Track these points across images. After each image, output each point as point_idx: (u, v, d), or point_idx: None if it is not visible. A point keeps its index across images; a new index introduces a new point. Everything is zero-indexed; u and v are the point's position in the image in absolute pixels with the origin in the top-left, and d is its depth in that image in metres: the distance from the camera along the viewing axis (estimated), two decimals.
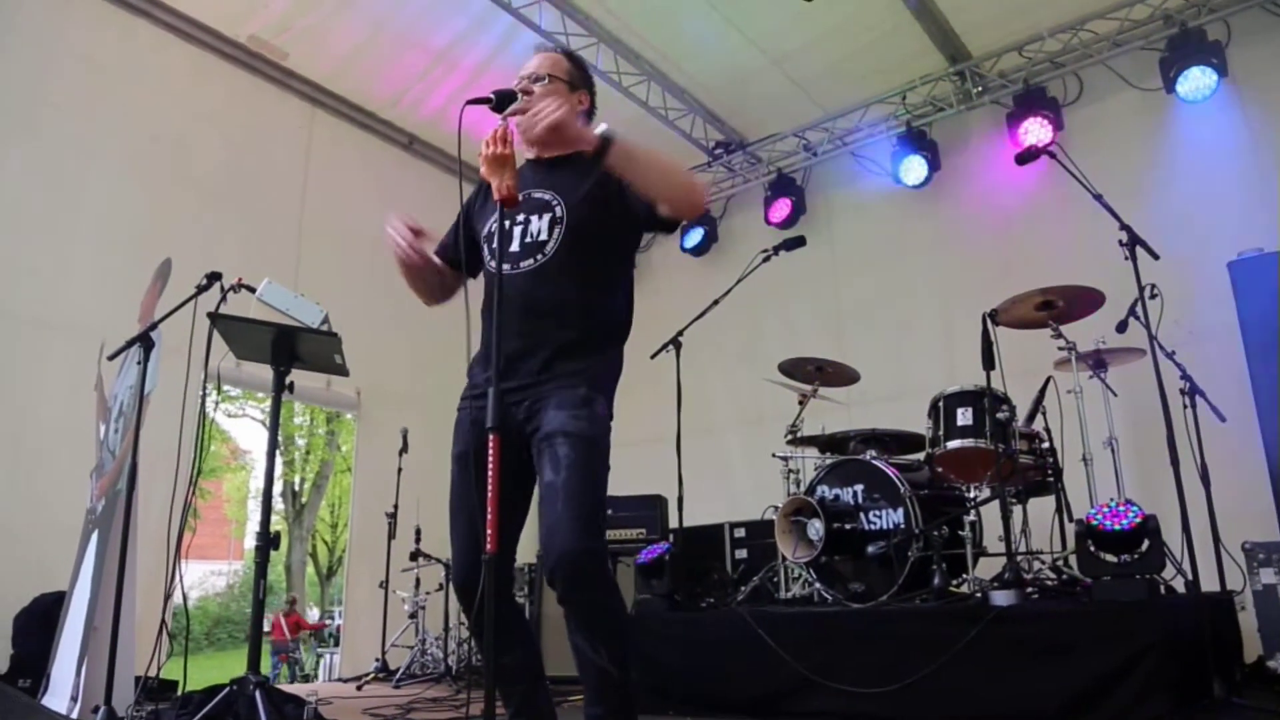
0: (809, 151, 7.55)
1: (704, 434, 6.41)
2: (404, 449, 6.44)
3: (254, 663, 3.09)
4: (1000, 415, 3.95)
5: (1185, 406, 4.26)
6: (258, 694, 2.92)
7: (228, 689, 3.06)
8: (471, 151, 2.19)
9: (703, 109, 7.29)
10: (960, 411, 4.19)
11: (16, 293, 5.04)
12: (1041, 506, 4.45)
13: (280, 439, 3.79)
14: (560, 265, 2.33)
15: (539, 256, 2.35)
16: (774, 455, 5.02)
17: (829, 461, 4.65)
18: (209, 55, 6.36)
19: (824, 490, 4.48)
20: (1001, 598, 3.45)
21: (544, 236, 2.36)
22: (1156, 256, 3.85)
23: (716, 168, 7.89)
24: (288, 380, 3.32)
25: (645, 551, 4.69)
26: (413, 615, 6.41)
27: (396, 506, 6.40)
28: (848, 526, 4.34)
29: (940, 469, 4.27)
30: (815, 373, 5.05)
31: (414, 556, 6.26)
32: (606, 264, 2.42)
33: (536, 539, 2.16)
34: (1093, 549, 3.40)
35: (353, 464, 8.69)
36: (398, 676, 5.79)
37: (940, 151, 6.82)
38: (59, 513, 4.60)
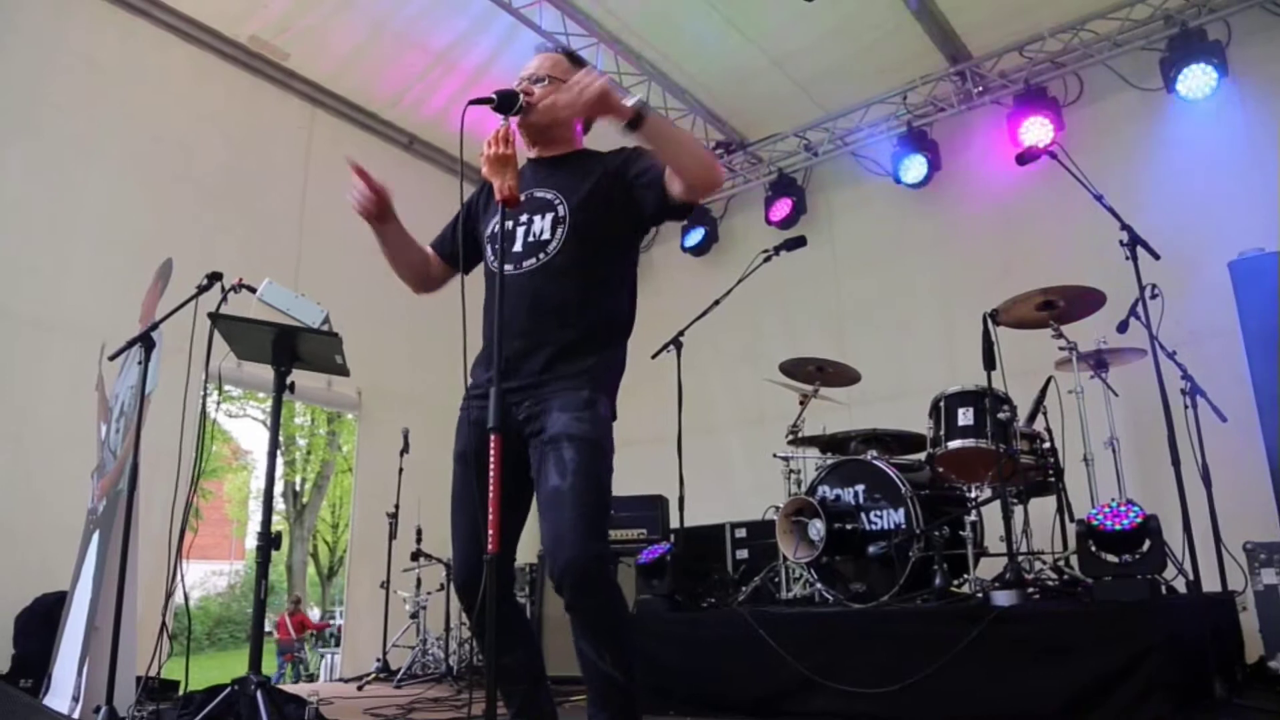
0: (810, 151, 7.55)
1: (705, 434, 6.41)
2: (405, 449, 6.44)
3: (255, 663, 3.08)
4: (1001, 415, 3.95)
5: (1186, 406, 4.26)
6: (259, 694, 2.92)
7: (229, 689, 3.05)
8: (473, 151, 2.19)
9: (703, 109, 7.29)
10: (961, 411, 4.19)
11: (17, 293, 5.04)
12: (1043, 507, 4.45)
13: (281, 439, 3.79)
14: (563, 264, 2.33)
15: (541, 256, 2.35)
16: (775, 455, 5.02)
17: (830, 462, 4.65)
18: (209, 55, 6.37)
19: (825, 490, 4.48)
20: (1003, 598, 3.45)
21: (546, 236, 2.36)
22: (1157, 256, 3.85)
23: None
24: (289, 380, 3.32)
25: (646, 552, 4.68)
26: (414, 615, 6.42)
27: (397, 507, 6.41)
28: (849, 527, 4.34)
29: (941, 469, 4.27)
30: (816, 373, 5.05)
31: (415, 557, 6.26)
32: (609, 262, 2.42)
33: (537, 539, 2.16)
34: (1094, 549, 3.40)
35: (354, 464, 8.69)
36: (399, 677, 5.80)
37: (941, 151, 6.82)
38: (60, 513, 4.61)
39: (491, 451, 1.95)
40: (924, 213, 6.91)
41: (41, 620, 4.43)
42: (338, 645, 11.99)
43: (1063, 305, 4.13)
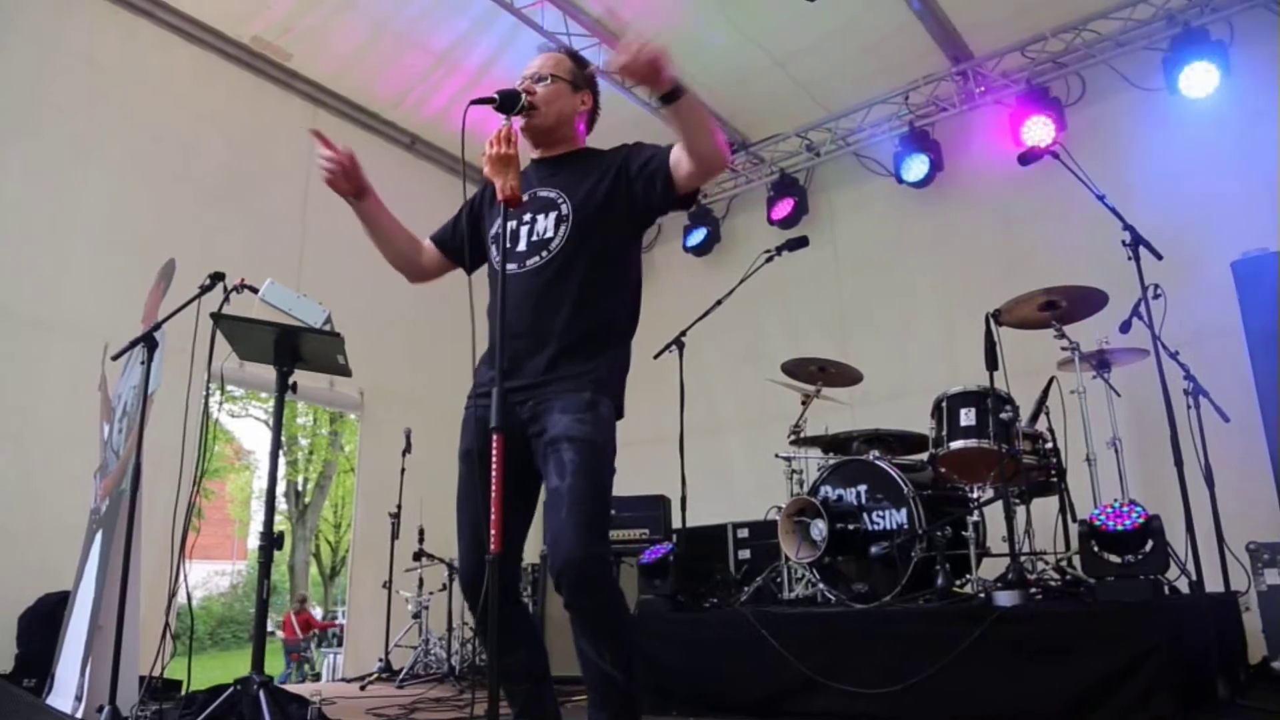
0: (812, 152, 7.55)
1: (707, 434, 6.42)
2: (407, 449, 6.44)
3: (258, 662, 3.09)
4: (1003, 415, 3.95)
5: (1189, 407, 4.25)
6: (261, 694, 2.93)
7: (232, 689, 3.06)
8: (475, 152, 2.19)
9: (705, 109, 7.28)
10: (963, 412, 4.18)
11: (18, 293, 5.05)
12: (1045, 507, 4.45)
13: (283, 439, 3.79)
14: (567, 263, 2.33)
15: (545, 254, 2.35)
16: (777, 455, 5.02)
17: (832, 462, 4.65)
18: (212, 56, 6.38)
19: (827, 490, 4.48)
20: (1005, 598, 3.45)
21: (550, 235, 2.37)
22: (1160, 257, 3.85)
23: None
24: (291, 380, 3.33)
25: (648, 552, 4.68)
26: (416, 615, 6.42)
27: (400, 507, 6.41)
28: (851, 527, 4.34)
29: (943, 469, 4.27)
30: (818, 373, 5.05)
31: (417, 557, 6.26)
32: (613, 260, 2.41)
33: (541, 539, 2.16)
34: (1096, 549, 3.40)
35: (356, 464, 8.70)
36: (401, 677, 5.80)
37: (943, 151, 6.81)
38: (63, 513, 4.62)
39: (494, 451, 1.95)
40: (926, 213, 6.91)
41: (44, 620, 4.44)
42: (340, 645, 12.00)
43: (1065, 305, 4.13)
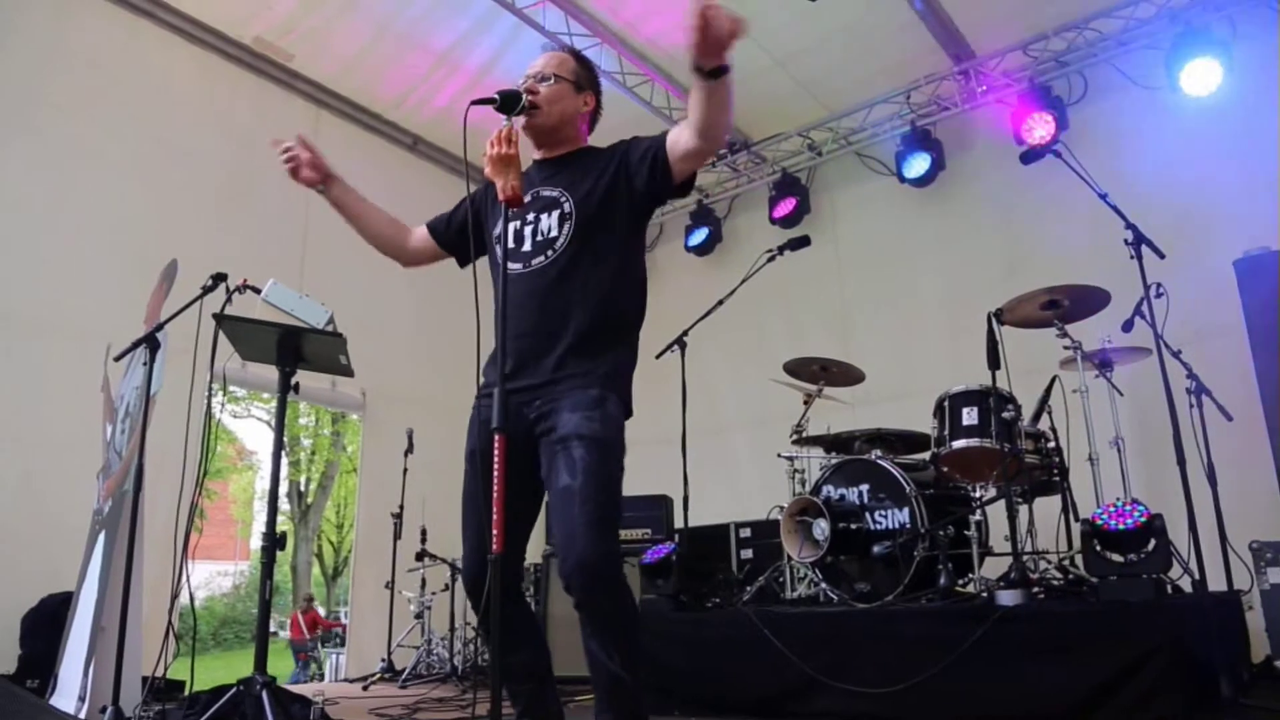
0: (813, 151, 7.55)
1: (709, 434, 6.42)
2: (409, 449, 6.45)
3: (261, 663, 3.09)
4: (1006, 415, 3.94)
5: (1191, 405, 4.24)
6: (264, 694, 2.93)
7: (234, 689, 3.06)
8: (477, 152, 2.19)
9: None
10: (965, 411, 4.18)
11: (21, 294, 5.05)
12: (1047, 506, 4.44)
13: (286, 440, 3.80)
14: (572, 260, 2.34)
15: (550, 253, 2.36)
16: (779, 455, 5.02)
17: (834, 461, 4.65)
18: (214, 56, 6.38)
19: (829, 490, 4.48)
20: (1007, 597, 3.44)
21: (554, 233, 2.37)
22: (1162, 255, 3.84)
23: (721, 168, 7.89)
24: (293, 381, 3.33)
25: (651, 551, 4.69)
26: (418, 615, 6.42)
27: (402, 507, 6.41)
28: (853, 526, 4.34)
29: (945, 468, 4.26)
30: (820, 372, 5.05)
31: (419, 557, 6.26)
32: (618, 256, 2.41)
33: (544, 538, 2.16)
34: (1099, 548, 3.40)
35: (358, 464, 8.70)
36: (403, 677, 5.80)
37: (945, 150, 6.80)
38: (66, 514, 4.62)
39: (496, 451, 1.95)
40: (928, 212, 6.91)
41: (48, 621, 4.45)
42: (342, 645, 12.01)
43: (1067, 304, 4.13)
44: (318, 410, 22.20)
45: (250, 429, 27.32)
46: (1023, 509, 4.24)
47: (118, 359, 3.77)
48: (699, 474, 4.75)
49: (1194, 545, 3.46)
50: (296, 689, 4.12)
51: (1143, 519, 3.31)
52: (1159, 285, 3.83)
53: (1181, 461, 3.53)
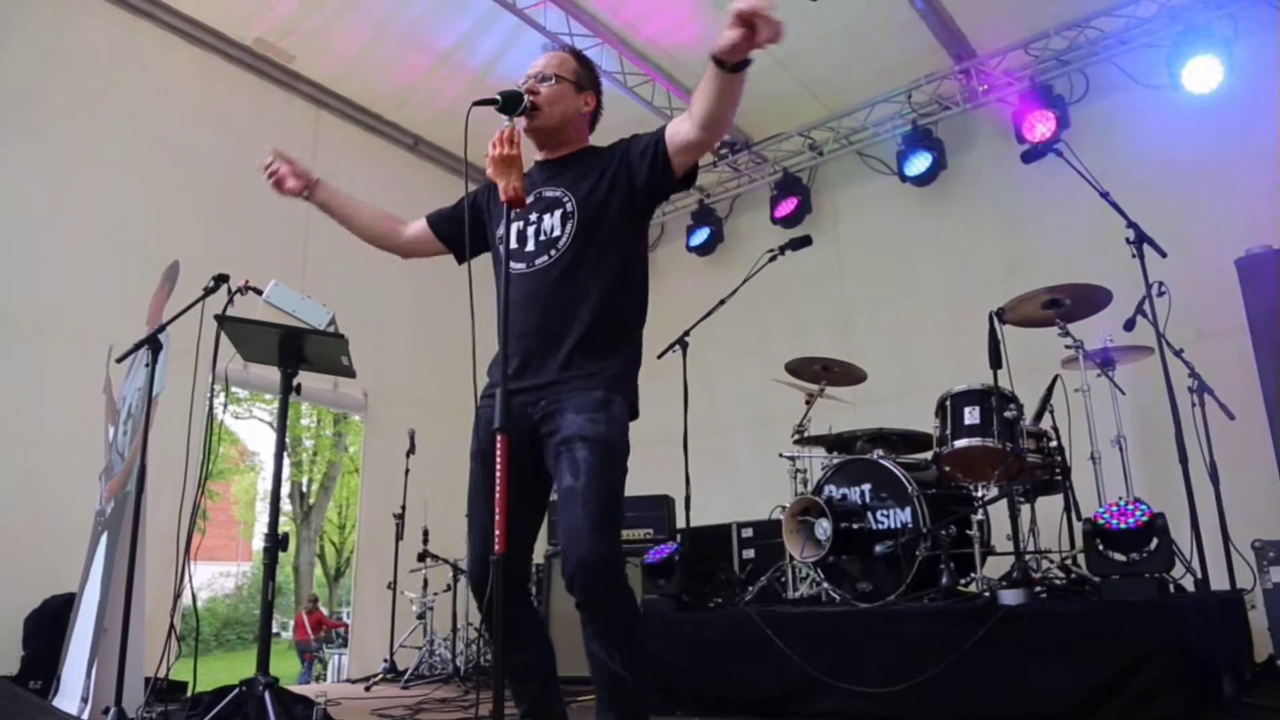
0: (815, 151, 7.54)
1: (711, 434, 6.40)
2: (411, 450, 6.45)
3: (263, 663, 3.09)
4: (1008, 414, 3.94)
5: (1193, 404, 4.24)
6: (267, 695, 2.93)
7: (237, 690, 3.07)
8: (478, 153, 2.19)
9: None
10: (967, 410, 4.18)
11: (21, 294, 5.06)
12: (1049, 505, 4.44)
13: (287, 440, 3.80)
14: (576, 259, 2.34)
15: (554, 253, 2.36)
16: (781, 455, 5.02)
17: (836, 461, 4.64)
18: (214, 57, 6.39)
19: (831, 490, 4.48)
20: (1010, 597, 3.44)
21: (557, 233, 2.37)
22: (1164, 254, 3.83)
23: (722, 167, 7.89)
24: (295, 382, 3.33)
25: (653, 552, 4.69)
26: (421, 616, 6.42)
27: (404, 508, 6.41)
28: (855, 526, 4.33)
29: (948, 468, 4.26)
30: (822, 372, 5.04)
31: (421, 557, 6.26)
32: (621, 255, 2.41)
33: (546, 538, 2.16)
34: (1101, 548, 3.40)
35: (360, 465, 8.71)
36: (406, 677, 5.81)
37: (946, 150, 6.80)
38: (68, 515, 4.62)
39: (498, 452, 1.95)
40: (929, 211, 6.90)
41: (50, 622, 4.45)
42: (345, 646, 12.02)
43: (1069, 303, 4.12)
44: (319, 411, 22.23)
45: (252, 430, 27.35)
46: (1025, 508, 4.24)
47: (120, 360, 3.78)
48: (700, 474, 4.75)
49: (1196, 544, 3.45)
50: (298, 690, 4.13)
51: (1145, 518, 3.31)
52: (1161, 284, 3.83)
53: (1184, 460, 3.53)
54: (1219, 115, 5.64)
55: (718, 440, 7.10)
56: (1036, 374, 4.41)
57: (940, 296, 6.67)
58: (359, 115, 7.29)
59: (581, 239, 2.35)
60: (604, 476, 2.17)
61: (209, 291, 3.47)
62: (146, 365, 3.49)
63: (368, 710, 4.38)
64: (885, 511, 4.28)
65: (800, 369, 5.07)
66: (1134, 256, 3.82)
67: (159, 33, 6.09)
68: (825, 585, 4.38)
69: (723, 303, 4.95)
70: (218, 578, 25.93)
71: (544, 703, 2.31)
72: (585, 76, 2.55)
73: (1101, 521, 3.39)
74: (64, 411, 4.95)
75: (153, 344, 3.48)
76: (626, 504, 5.60)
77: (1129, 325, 3.98)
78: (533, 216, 2.41)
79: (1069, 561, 4.04)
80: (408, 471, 6.44)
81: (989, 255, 6.41)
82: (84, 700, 3.35)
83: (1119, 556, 3.36)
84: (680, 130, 2.27)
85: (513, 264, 2.35)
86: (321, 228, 2.99)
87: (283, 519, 3.42)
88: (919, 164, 6.73)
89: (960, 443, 4.14)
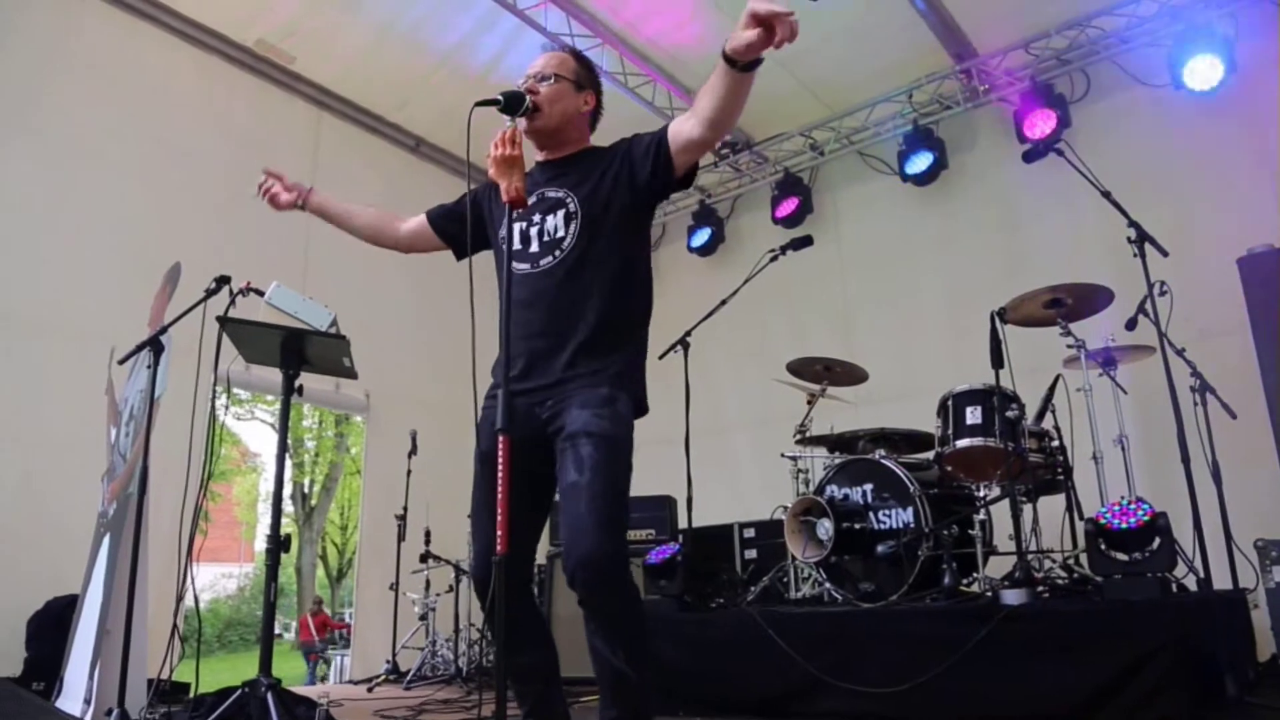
0: (816, 151, 7.54)
1: (713, 434, 6.39)
2: (413, 451, 6.45)
3: (266, 665, 3.09)
4: (1009, 414, 3.94)
5: (1195, 403, 4.24)
6: (269, 696, 2.93)
7: (240, 691, 3.07)
8: (479, 154, 2.19)
9: None
10: (969, 410, 4.17)
11: (21, 294, 5.06)
12: (1052, 505, 4.44)
13: (289, 442, 3.80)
14: (580, 258, 2.34)
15: (558, 253, 2.36)
16: (783, 455, 5.01)
17: (838, 461, 4.64)
18: (216, 59, 6.40)
19: (833, 490, 4.48)
20: (1012, 597, 3.44)
21: (561, 233, 2.37)
22: (1165, 253, 3.84)
23: (723, 168, 7.89)
24: (297, 383, 3.34)
25: (655, 552, 4.68)
26: (423, 617, 6.43)
27: (406, 509, 6.41)
28: (857, 526, 4.33)
29: (949, 468, 4.26)
30: (823, 372, 5.04)
31: (424, 559, 6.26)
32: (624, 254, 2.41)
33: (548, 539, 2.16)
34: (1103, 547, 3.39)
35: (362, 466, 8.71)
36: (408, 678, 5.81)
37: (947, 149, 6.79)
38: (70, 516, 4.62)
39: (500, 453, 1.95)
40: (931, 211, 6.90)
41: (53, 624, 4.46)
42: (347, 647, 12.02)
43: (1070, 303, 4.12)
44: (321, 412, 22.23)
45: (254, 431, 27.37)
46: (1027, 508, 4.24)
47: (121, 362, 3.79)
48: (702, 474, 4.75)
49: (1199, 543, 3.46)
50: (301, 691, 4.13)
51: (1147, 517, 3.30)
52: (1162, 283, 3.83)
53: (1186, 460, 3.54)
54: (1220, 114, 5.64)
55: (719, 440, 7.09)
56: (1038, 374, 4.41)
57: (942, 296, 6.67)
58: (360, 117, 7.29)
59: (585, 239, 2.35)
60: (609, 472, 2.16)
61: (211, 293, 3.48)
62: (148, 367, 3.50)
63: (370, 711, 4.38)
64: (887, 511, 4.28)
65: (802, 369, 5.07)
66: (1135, 256, 3.83)
67: (159, 34, 6.09)
68: (827, 585, 4.38)
69: (724, 303, 4.95)
70: (220, 579, 25.96)
71: (546, 703, 2.31)
72: (584, 75, 2.55)
73: (1104, 521, 3.38)
74: (64, 412, 4.96)
75: (154, 346, 3.49)
76: (629, 504, 5.59)
77: (1131, 324, 3.98)
78: (535, 217, 2.41)
79: (1071, 561, 4.04)
80: (410, 472, 6.43)
81: (990, 254, 6.41)
82: (87, 702, 3.35)
83: (1121, 556, 3.35)
84: (684, 129, 2.27)
85: (516, 264, 2.34)
86: (323, 229, 3.00)
87: (285, 520, 3.42)
88: (920, 164, 6.73)
89: (962, 442, 4.14)
